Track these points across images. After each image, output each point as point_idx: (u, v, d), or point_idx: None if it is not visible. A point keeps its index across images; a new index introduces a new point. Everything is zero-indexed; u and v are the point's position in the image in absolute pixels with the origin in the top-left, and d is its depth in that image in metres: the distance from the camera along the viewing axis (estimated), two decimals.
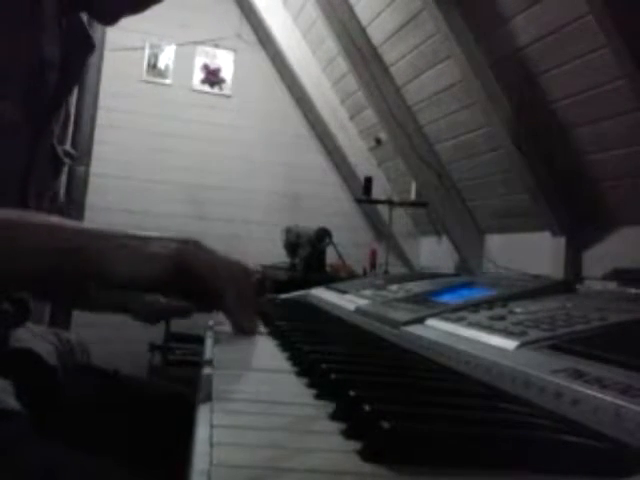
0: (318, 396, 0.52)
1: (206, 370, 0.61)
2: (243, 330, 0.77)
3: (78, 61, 0.84)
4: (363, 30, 3.12)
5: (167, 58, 3.94)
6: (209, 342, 0.78)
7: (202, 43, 3.97)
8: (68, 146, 0.89)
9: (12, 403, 0.67)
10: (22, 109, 0.71)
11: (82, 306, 1.10)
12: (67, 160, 0.87)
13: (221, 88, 4.06)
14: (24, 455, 0.60)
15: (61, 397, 0.83)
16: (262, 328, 0.86)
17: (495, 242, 3.13)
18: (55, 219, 0.66)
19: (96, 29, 3.25)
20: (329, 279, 2.28)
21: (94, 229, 0.65)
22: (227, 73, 4.06)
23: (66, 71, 0.79)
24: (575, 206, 2.49)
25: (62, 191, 2.82)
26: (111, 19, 0.84)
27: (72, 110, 2.72)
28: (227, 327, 0.86)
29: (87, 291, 0.96)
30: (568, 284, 0.93)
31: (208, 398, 0.50)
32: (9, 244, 0.59)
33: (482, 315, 0.77)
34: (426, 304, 0.95)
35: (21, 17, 0.71)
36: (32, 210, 0.77)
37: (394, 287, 1.17)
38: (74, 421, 0.81)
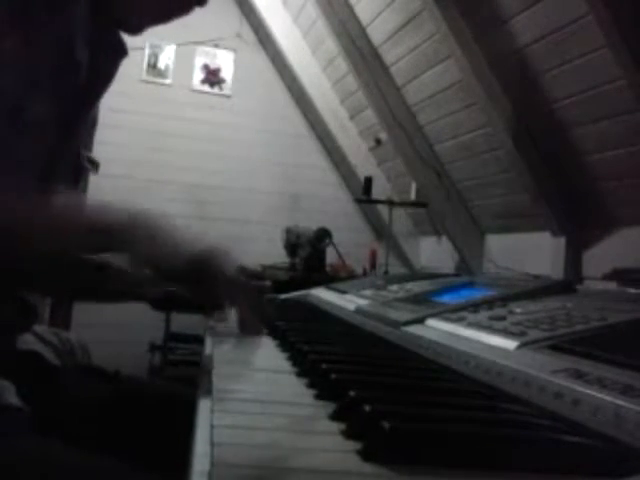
0: (318, 396, 0.52)
1: (206, 367, 0.61)
2: (250, 330, 0.79)
3: (109, 65, 0.85)
4: (363, 30, 3.12)
5: (167, 58, 3.94)
6: (209, 342, 0.78)
7: (202, 43, 3.97)
8: (92, 153, 0.90)
9: (13, 400, 0.67)
10: (49, 109, 0.72)
11: (97, 297, 1.08)
12: (89, 166, 0.87)
13: (221, 88, 4.05)
14: (23, 451, 0.61)
15: (62, 397, 0.83)
16: (264, 330, 0.86)
17: (495, 242, 3.13)
18: (93, 204, 0.74)
19: None
20: (329, 279, 2.28)
21: (131, 211, 0.72)
22: (227, 73, 4.06)
23: (95, 74, 0.80)
24: (575, 206, 2.49)
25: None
26: (136, 29, 0.85)
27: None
28: (227, 328, 0.86)
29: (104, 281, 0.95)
30: (568, 284, 0.93)
31: (208, 393, 0.50)
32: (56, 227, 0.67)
33: (482, 315, 0.77)
34: (426, 304, 0.95)
35: (53, 17, 0.71)
36: None
37: (394, 287, 1.17)
38: (75, 421, 0.81)
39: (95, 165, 0.90)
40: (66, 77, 0.74)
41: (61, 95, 0.73)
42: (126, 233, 0.70)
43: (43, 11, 0.70)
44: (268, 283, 1.13)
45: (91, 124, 0.89)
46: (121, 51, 0.86)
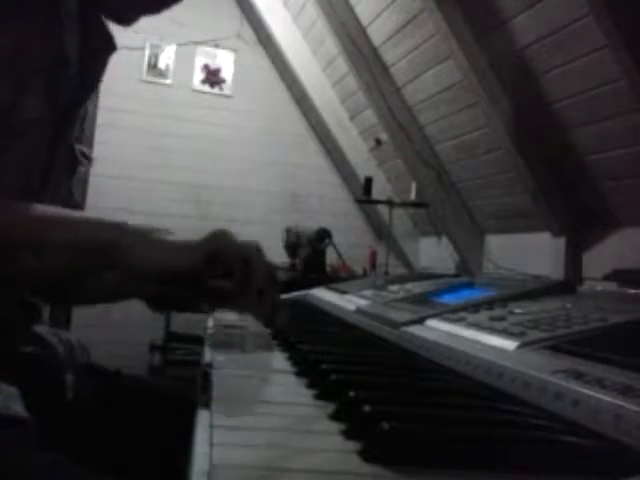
0: (318, 396, 0.52)
1: (205, 367, 0.61)
2: (273, 323, 0.78)
3: (99, 60, 0.84)
4: (363, 30, 3.12)
5: (167, 58, 3.94)
6: (209, 342, 0.78)
7: (202, 43, 3.97)
8: (84, 147, 0.89)
9: (18, 409, 0.67)
10: (42, 105, 0.71)
11: (102, 298, 1.06)
12: (84, 161, 0.87)
13: (221, 88, 4.06)
14: (29, 463, 0.60)
15: (63, 398, 0.83)
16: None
17: (495, 242, 3.13)
18: (87, 215, 0.69)
19: None
20: (329, 279, 2.28)
21: (123, 224, 0.68)
22: (227, 73, 4.06)
23: (85, 68, 0.79)
24: (575, 206, 2.49)
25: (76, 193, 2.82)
26: (128, 20, 0.84)
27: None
28: (228, 329, 0.86)
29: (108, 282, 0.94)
30: (568, 285, 0.93)
31: (208, 393, 0.50)
32: (43, 238, 0.63)
33: (482, 316, 0.77)
34: (426, 304, 0.95)
35: (42, 10, 0.71)
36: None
37: (394, 287, 1.17)
38: (77, 421, 0.81)
39: (88, 159, 0.89)
40: (57, 72, 0.74)
41: (53, 91, 0.73)
42: (120, 248, 0.66)
43: (32, 6, 0.70)
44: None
45: (82, 119, 0.88)
46: (110, 46, 0.86)
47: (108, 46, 0.85)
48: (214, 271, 0.71)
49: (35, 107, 0.70)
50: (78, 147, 0.86)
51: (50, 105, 0.73)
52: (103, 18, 0.83)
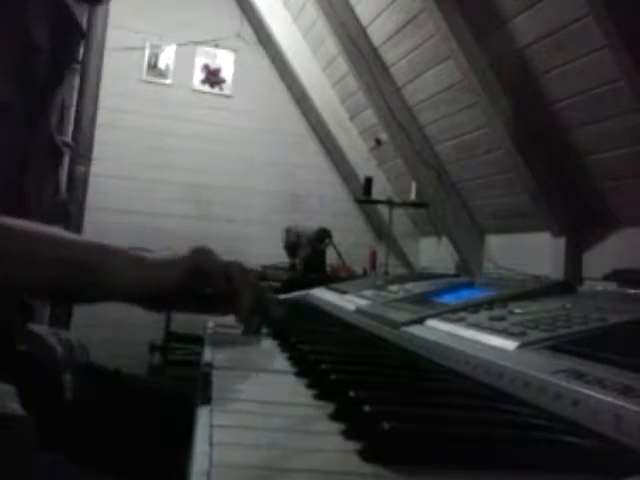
0: (318, 396, 0.52)
1: (205, 367, 0.61)
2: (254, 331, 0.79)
3: (68, 47, 0.85)
4: (363, 30, 3.12)
5: (167, 58, 3.94)
6: (208, 342, 0.78)
7: (202, 43, 3.97)
8: (67, 137, 0.90)
9: (15, 408, 0.67)
10: (13, 89, 0.71)
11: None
12: (67, 150, 0.87)
13: (221, 88, 4.06)
14: (27, 462, 0.60)
15: (63, 398, 0.83)
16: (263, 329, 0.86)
17: (495, 242, 3.13)
18: (70, 234, 0.70)
19: (97, 28, 3.25)
20: (329, 279, 2.28)
21: (107, 245, 0.68)
22: (227, 73, 4.06)
23: (56, 56, 0.80)
24: (575, 206, 2.49)
25: (64, 186, 2.81)
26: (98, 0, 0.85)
27: (71, 104, 2.71)
28: (228, 329, 0.86)
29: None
30: (568, 285, 0.93)
31: (207, 393, 0.50)
32: (27, 254, 0.63)
33: (482, 316, 0.77)
34: (426, 304, 0.95)
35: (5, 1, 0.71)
36: (30, 200, 0.78)
37: (394, 287, 1.17)
38: (76, 421, 0.81)
39: (70, 147, 0.90)
40: (25, 61, 0.74)
41: (24, 79, 0.73)
42: (102, 269, 0.66)
43: None
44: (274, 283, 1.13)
45: (60, 108, 0.89)
46: (79, 33, 0.86)
47: (76, 33, 0.85)
48: (197, 287, 0.72)
49: (2, 90, 0.70)
50: (59, 137, 0.86)
51: (20, 90, 0.73)
52: (70, 6, 0.83)
